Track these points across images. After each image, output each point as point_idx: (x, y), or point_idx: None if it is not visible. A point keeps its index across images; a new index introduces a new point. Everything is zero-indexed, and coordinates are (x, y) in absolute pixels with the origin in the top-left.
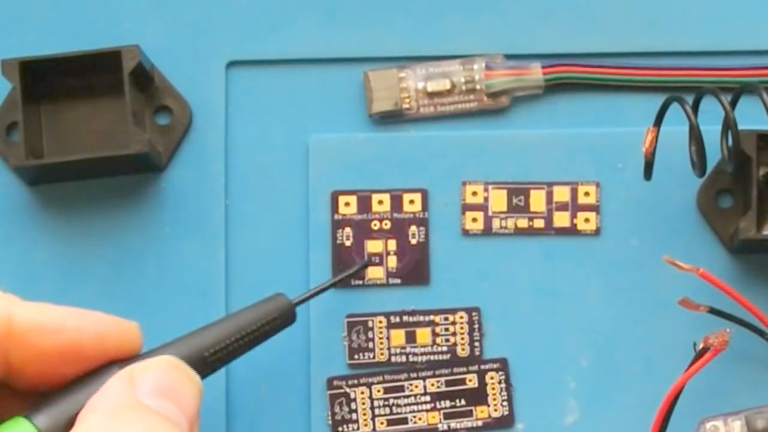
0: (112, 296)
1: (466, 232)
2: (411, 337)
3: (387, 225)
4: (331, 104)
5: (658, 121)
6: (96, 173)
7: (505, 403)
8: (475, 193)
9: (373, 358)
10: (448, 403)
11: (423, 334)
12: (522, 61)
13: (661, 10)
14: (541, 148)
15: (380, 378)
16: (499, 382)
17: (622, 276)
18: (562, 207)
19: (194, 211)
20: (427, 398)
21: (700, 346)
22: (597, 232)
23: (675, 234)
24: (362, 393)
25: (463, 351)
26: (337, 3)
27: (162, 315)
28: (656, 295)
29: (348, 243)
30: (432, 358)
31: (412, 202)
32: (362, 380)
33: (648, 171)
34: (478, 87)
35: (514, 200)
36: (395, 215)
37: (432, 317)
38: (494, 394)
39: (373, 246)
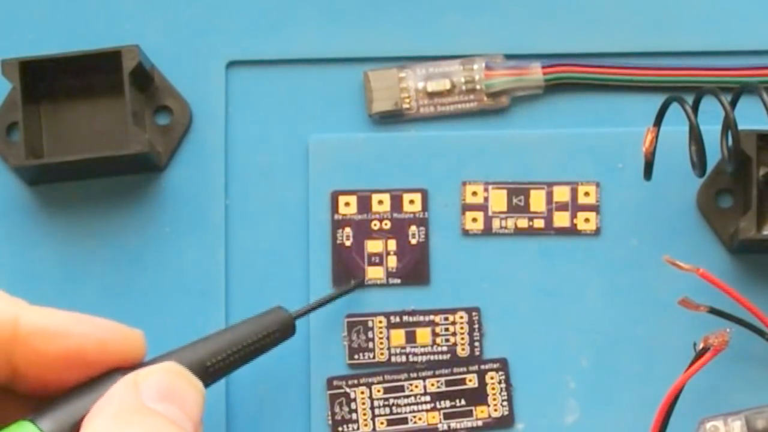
0: (112, 296)
1: (466, 232)
2: (411, 337)
3: (387, 225)
4: (331, 104)
5: (658, 121)
6: (96, 173)
7: (505, 403)
8: (475, 193)
9: (373, 358)
10: (448, 403)
11: (423, 334)
12: (522, 61)
13: (661, 10)
14: (541, 148)
15: (380, 378)
16: (499, 382)
17: (622, 276)
18: (562, 207)
19: (194, 211)
20: (427, 398)
21: (700, 346)
22: (597, 232)
23: (675, 234)
24: (362, 393)
25: (463, 351)
26: (337, 3)
27: (162, 315)
28: (656, 295)
29: (348, 243)
30: (432, 358)
31: (412, 202)
32: (362, 380)
33: (648, 171)
34: (478, 87)
35: (514, 200)
36: (395, 215)
37: (432, 317)
38: (494, 394)
39: (373, 246)
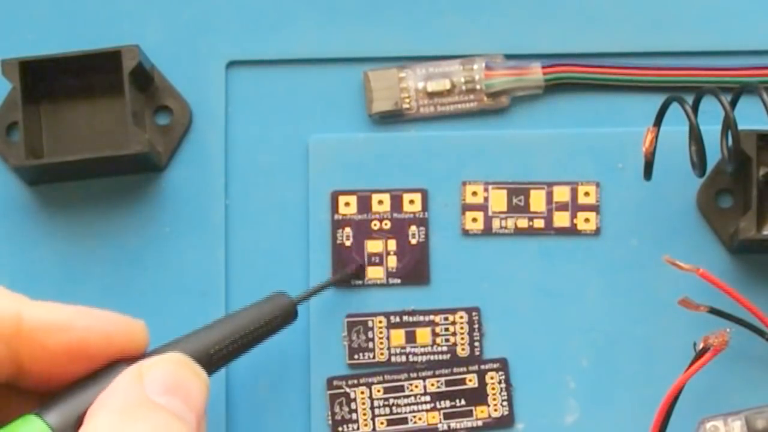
0: (112, 296)
1: (466, 232)
2: (411, 337)
3: (387, 225)
4: (331, 104)
5: (658, 121)
6: (96, 173)
7: (505, 403)
8: (475, 193)
9: (373, 358)
10: (448, 403)
11: (423, 334)
12: (522, 61)
13: (661, 10)
14: (541, 148)
15: (380, 378)
16: (499, 382)
17: (622, 276)
18: (562, 207)
19: (194, 211)
20: (427, 398)
21: (700, 346)
22: (597, 232)
23: (675, 234)
24: (362, 393)
25: (463, 351)
26: (337, 3)
27: (162, 315)
28: (656, 295)
29: (348, 243)
30: (432, 358)
31: (412, 202)
32: (362, 380)
33: (648, 171)
34: (478, 87)
35: (514, 200)
36: (395, 215)
37: (432, 317)
38: (494, 394)
39: (373, 246)
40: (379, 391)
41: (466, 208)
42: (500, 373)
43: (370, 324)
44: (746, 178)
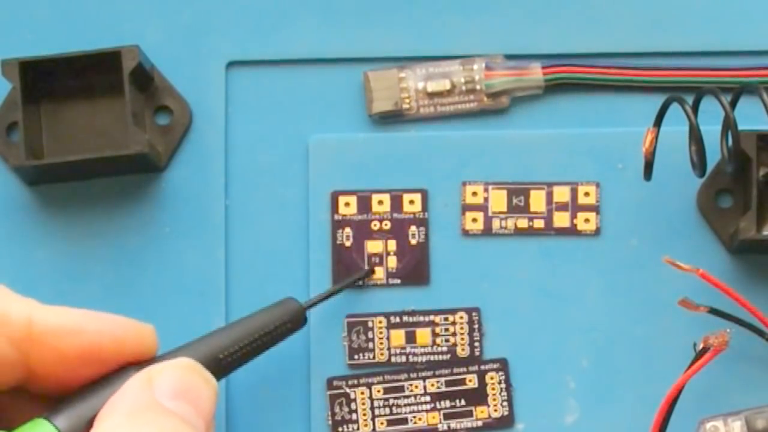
0: (112, 296)
1: (466, 233)
2: (411, 338)
3: (387, 225)
4: (331, 104)
5: (658, 121)
6: (96, 173)
7: (505, 404)
8: (475, 194)
9: (373, 358)
10: (448, 404)
11: (423, 335)
12: (522, 61)
13: (661, 10)
14: (541, 148)
15: (380, 378)
16: (499, 383)
17: (622, 276)
18: (562, 207)
19: (194, 211)
20: (427, 398)
21: (700, 346)
22: (597, 232)
23: (675, 234)
24: (362, 393)
25: (463, 351)
26: (337, 3)
27: (162, 315)
28: (656, 295)
29: (348, 243)
30: (432, 358)
31: (412, 202)
32: (362, 380)
33: (648, 171)
34: (478, 87)
35: (514, 200)
36: (395, 215)
37: (432, 317)
38: (494, 395)
39: (373, 246)
40: (379, 391)
41: (466, 208)
42: (500, 373)
43: (370, 324)
44: (746, 178)
